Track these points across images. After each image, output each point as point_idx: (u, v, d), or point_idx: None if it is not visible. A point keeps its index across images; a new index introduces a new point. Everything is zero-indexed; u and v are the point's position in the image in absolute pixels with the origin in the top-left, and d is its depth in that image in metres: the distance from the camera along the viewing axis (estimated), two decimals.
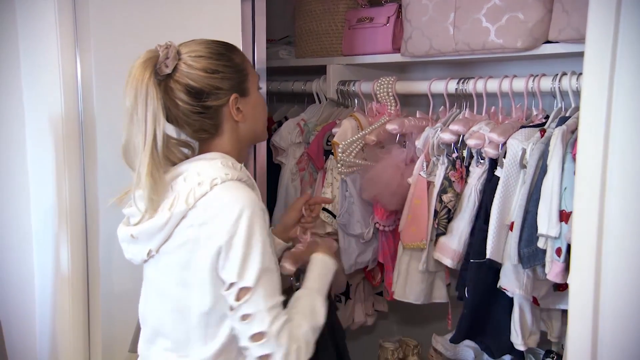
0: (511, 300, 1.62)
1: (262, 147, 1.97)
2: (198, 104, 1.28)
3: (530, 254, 1.47)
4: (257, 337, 1.21)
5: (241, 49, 1.43)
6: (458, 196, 1.71)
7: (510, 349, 1.64)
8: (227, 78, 1.29)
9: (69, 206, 1.69)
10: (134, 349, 1.63)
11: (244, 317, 1.21)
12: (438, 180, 1.74)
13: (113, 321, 1.74)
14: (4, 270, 1.86)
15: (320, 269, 1.44)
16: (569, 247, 1.36)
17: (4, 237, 1.85)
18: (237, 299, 1.20)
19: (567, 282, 1.32)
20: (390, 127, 1.87)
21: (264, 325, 1.20)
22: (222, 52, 1.31)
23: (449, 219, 1.72)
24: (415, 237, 1.78)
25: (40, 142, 1.71)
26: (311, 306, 1.34)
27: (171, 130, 1.36)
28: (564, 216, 1.39)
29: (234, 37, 1.71)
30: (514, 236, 1.50)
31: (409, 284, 1.85)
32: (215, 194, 1.23)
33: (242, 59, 1.35)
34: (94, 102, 1.67)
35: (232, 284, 1.21)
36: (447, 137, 1.72)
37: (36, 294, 1.79)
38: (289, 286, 1.55)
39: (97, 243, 1.72)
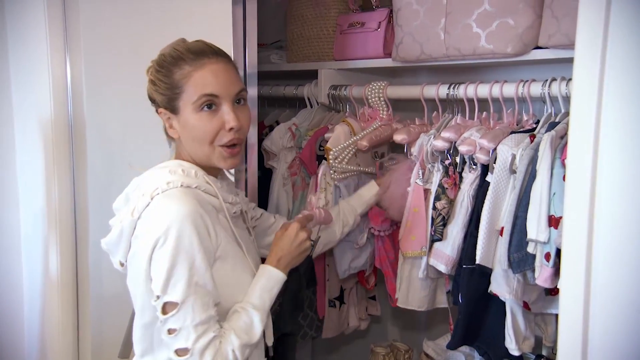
0: (505, 305, 1.61)
1: (253, 152, 1.97)
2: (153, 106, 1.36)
3: (520, 259, 1.47)
4: (181, 352, 1.20)
5: (232, 53, 1.43)
6: (451, 202, 1.71)
7: (508, 354, 1.64)
8: (159, 92, 1.31)
9: (59, 210, 1.69)
10: (124, 354, 1.62)
11: (170, 332, 1.20)
12: (434, 187, 1.74)
13: (103, 326, 1.73)
14: None
15: (265, 282, 1.35)
16: (558, 252, 1.37)
17: None
18: (164, 312, 1.19)
19: (558, 286, 1.33)
20: (398, 137, 1.85)
21: (189, 341, 1.19)
22: (166, 65, 1.29)
23: (444, 226, 1.72)
24: (415, 246, 1.77)
25: (30, 146, 1.70)
26: (247, 323, 1.28)
27: None
28: (553, 221, 1.39)
29: (225, 41, 1.71)
30: (504, 241, 1.50)
31: (411, 291, 1.84)
32: (154, 205, 1.22)
33: (184, 76, 1.27)
34: (84, 105, 1.66)
35: (158, 297, 1.19)
36: (440, 144, 1.72)
37: (25, 298, 1.77)
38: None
39: (87, 247, 1.71)
